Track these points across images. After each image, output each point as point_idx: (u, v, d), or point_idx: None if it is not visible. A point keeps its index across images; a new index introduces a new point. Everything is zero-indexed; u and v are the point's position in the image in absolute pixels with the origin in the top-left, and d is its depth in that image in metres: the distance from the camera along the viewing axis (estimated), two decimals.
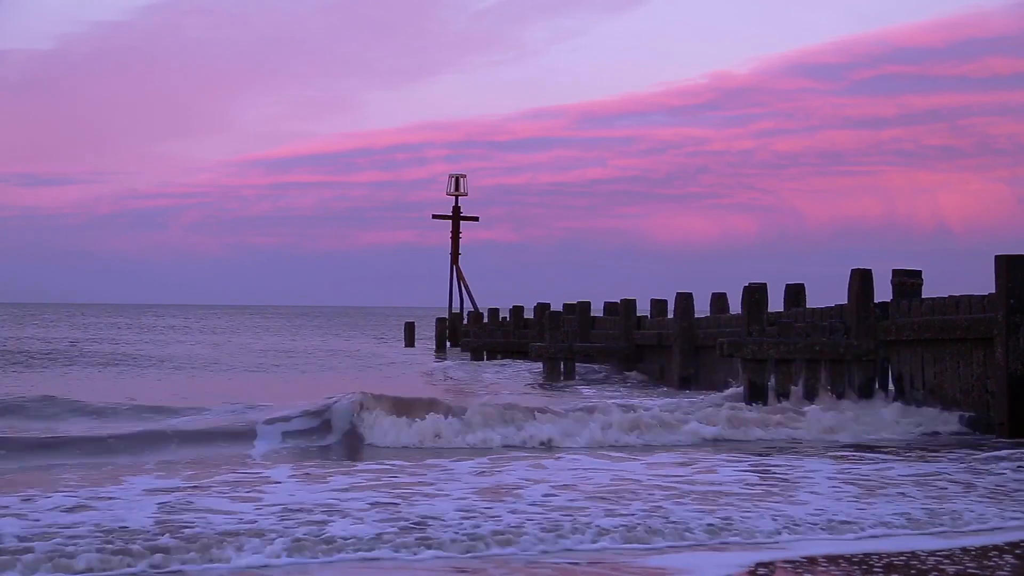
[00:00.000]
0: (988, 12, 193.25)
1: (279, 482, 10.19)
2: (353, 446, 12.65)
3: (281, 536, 7.61)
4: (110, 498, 9.09)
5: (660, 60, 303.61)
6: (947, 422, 15.17)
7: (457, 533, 7.86)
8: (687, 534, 8.10)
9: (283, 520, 8.23)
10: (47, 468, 10.82)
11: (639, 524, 8.27)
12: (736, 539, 8.05)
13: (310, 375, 29.47)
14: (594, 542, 7.80)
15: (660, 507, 9.04)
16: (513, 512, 8.70)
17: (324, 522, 8.17)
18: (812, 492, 9.94)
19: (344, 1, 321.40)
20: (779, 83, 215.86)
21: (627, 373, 26.20)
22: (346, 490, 9.71)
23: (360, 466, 11.26)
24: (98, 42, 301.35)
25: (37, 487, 9.63)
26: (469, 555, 7.45)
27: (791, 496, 9.70)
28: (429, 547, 7.50)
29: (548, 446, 13.21)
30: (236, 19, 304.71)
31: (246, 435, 12.50)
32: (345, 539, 7.61)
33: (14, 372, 28.51)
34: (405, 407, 13.20)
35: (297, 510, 8.63)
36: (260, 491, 9.57)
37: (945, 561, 7.49)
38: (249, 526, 7.97)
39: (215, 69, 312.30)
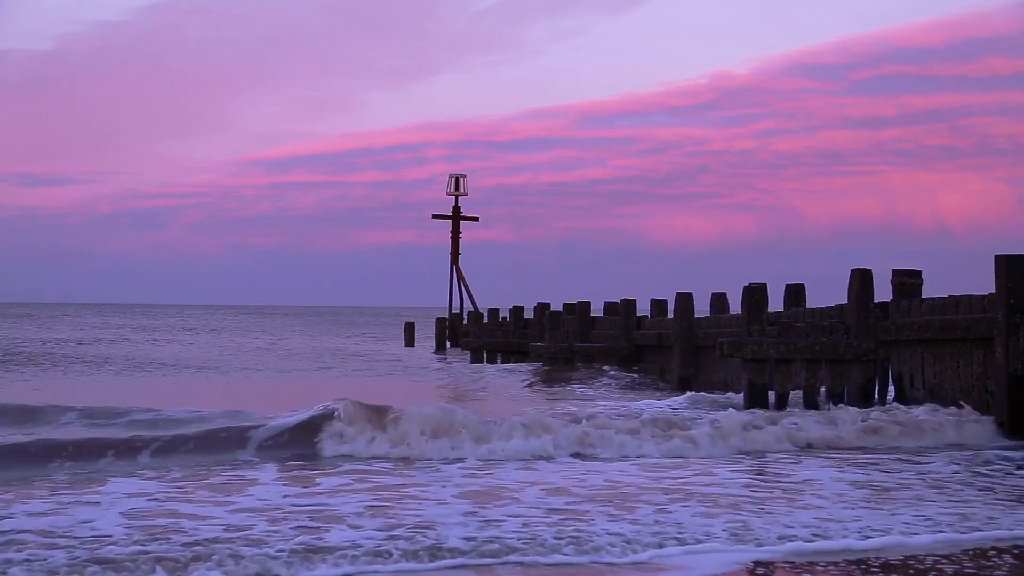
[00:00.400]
0: (988, 12, 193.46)
1: (266, 484, 10.07)
2: (339, 455, 12.06)
3: (271, 545, 7.46)
4: (89, 504, 8.95)
5: (660, 60, 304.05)
6: None
7: (459, 539, 7.69)
8: (703, 538, 7.92)
9: (273, 525, 8.11)
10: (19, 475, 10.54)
11: (648, 529, 8.14)
12: (753, 543, 7.88)
13: (304, 377, 29.33)
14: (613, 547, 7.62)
15: (665, 510, 8.93)
16: (514, 516, 8.57)
17: (319, 529, 8.03)
18: (817, 495, 9.77)
19: (344, 1, 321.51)
20: (779, 83, 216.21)
21: (627, 373, 26.15)
22: (335, 493, 9.57)
23: (348, 472, 10.99)
24: (98, 42, 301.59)
25: (10, 492, 9.49)
26: (457, 562, 7.27)
27: (797, 500, 9.56)
28: (434, 555, 7.32)
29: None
30: (236, 19, 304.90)
31: (231, 443, 12.09)
32: (343, 547, 7.43)
33: None
34: (393, 418, 12.70)
35: (283, 518, 8.45)
36: (244, 496, 9.42)
37: (944, 561, 7.46)
38: (234, 534, 7.84)
39: (215, 69, 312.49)
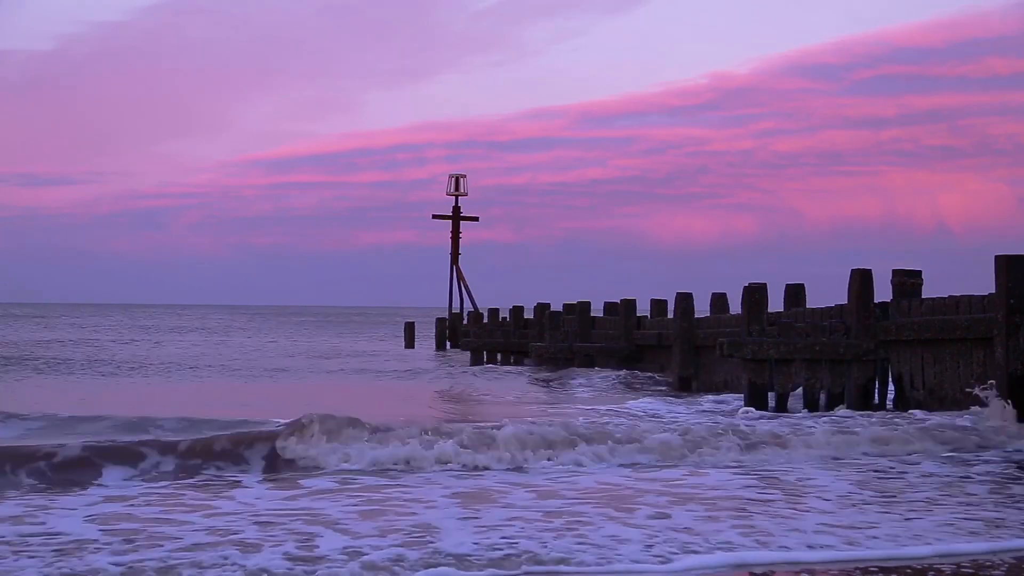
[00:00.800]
0: (988, 12, 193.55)
1: (249, 487, 9.95)
2: (318, 467, 11.45)
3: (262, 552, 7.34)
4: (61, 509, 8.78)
5: (660, 60, 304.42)
6: None
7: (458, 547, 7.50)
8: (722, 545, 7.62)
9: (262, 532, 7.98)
10: None
11: (661, 535, 7.91)
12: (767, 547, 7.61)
13: (298, 379, 29.16)
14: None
15: (667, 514, 8.75)
16: (512, 520, 8.40)
17: (312, 535, 7.89)
18: (820, 498, 9.56)
19: (344, 1, 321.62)
20: (779, 83, 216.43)
21: (628, 372, 26.06)
22: (321, 497, 9.42)
23: (331, 475, 10.82)
24: (98, 42, 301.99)
25: None
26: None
27: (800, 503, 9.35)
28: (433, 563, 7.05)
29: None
30: (236, 19, 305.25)
31: (209, 451, 11.58)
32: (336, 558, 7.21)
33: None
34: (380, 432, 12.33)
35: (268, 523, 8.30)
36: (228, 501, 9.29)
37: (942, 561, 7.35)
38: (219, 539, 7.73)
39: (215, 69, 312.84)
